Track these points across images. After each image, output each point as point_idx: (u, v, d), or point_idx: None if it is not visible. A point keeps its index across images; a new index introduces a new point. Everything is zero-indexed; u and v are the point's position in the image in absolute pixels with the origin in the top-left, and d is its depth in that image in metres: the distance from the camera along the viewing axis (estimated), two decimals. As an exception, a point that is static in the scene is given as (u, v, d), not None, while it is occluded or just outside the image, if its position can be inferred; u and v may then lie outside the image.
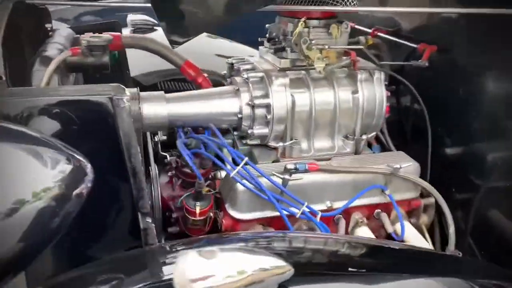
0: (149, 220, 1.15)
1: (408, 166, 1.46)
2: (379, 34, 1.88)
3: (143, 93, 1.46)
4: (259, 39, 1.73)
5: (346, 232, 1.47)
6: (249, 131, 1.51)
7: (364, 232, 1.49)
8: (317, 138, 1.58)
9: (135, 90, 1.42)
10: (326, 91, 1.53)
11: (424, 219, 1.64)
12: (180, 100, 1.48)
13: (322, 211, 1.43)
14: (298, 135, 1.55)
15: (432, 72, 1.63)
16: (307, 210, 1.35)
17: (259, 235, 1.22)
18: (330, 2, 1.46)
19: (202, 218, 1.47)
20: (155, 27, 2.61)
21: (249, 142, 1.56)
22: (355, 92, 1.55)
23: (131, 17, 2.58)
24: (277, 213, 1.37)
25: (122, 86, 1.04)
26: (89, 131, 1.05)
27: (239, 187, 1.35)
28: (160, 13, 1.40)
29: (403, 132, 1.85)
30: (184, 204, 1.46)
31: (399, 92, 1.81)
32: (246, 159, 1.36)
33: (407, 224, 1.53)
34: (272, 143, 1.52)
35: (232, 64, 1.63)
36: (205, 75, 1.70)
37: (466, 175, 1.51)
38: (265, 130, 1.51)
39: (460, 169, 1.55)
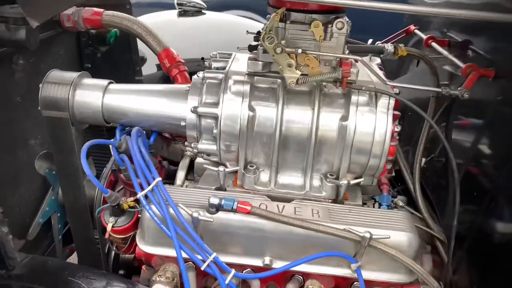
0: (5, 230, 0.94)
1: (384, 237, 0.99)
2: (432, 44, 1.36)
3: (88, 80, 1.26)
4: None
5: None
6: (193, 145, 1.20)
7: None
8: (284, 171, 1.19)
9: (72, 74, 1.22)
10: (302, 110, 1.13)
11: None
12: (122, 93, 1.24)
13: (254, 268, 1.07)
14: (258, 161, 1.18)
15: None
16: (215, 263, 0.99)
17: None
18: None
19: (119, 236, 1.23)
20: (203, 11, 2.41)
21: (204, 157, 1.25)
22: (344, 118, 1.11)
23: (178, -1, 2.41)
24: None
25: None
26: None
27: (146, 213, 1.06)
28: None
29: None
30: (101, 216, 1.23)
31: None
32: (158, 179, 1.06)
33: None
34: (220, 168, 1.17)
35: (202, 58, 1.31)
36: (184, 68, 1.43)
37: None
38: (213, 147, 1.18)
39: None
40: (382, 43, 1.51)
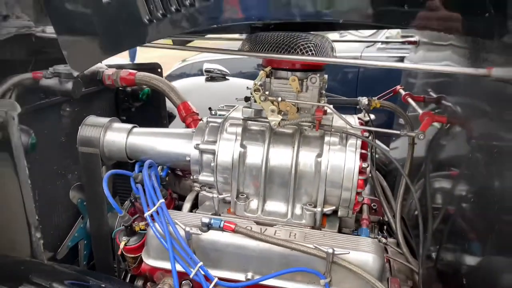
0: (38, 235, 1.19)
1: (345, 253, 1.14)
2: (408, 99, 1.57)
3: (117, 124, 1.56)
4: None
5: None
6: (195, 176, 1.43)
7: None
8: (271, 200, 1.38)
9: (105, 119, 1.52)
10: (284, 149, 1.34)
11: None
12: (143, 135, 1.52)
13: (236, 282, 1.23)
14: (248, 191, 1.39)
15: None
16: (201, 272, 1.17)
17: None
18: (300, 52, 1.29)
19: (130, 255, 1.44)
20: (227, 76, 2.77)
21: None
22: (319, 155, 1.31)
23: (206, 65, 2.80)
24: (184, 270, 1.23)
25: (15, 103, 1.15)
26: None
27: (150, 230, 1.28)
28: None
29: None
30: (117, 237, 1.45)
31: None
32: (161, 201, 1.28)
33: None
34: (214, 194, 1.39)
35: (210, 108, 1.59)
36: (197, 118, 1.71)
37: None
38: (211, 178, 1.40)
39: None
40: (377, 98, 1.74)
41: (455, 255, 1.15)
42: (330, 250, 1.13)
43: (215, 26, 0.99)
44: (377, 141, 1.94)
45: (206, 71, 2.76)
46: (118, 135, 1.51)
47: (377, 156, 1.92)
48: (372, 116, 1.70)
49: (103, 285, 1.11)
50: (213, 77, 2.74)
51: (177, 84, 2.71)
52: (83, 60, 1.13)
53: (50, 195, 1.60)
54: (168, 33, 1.03)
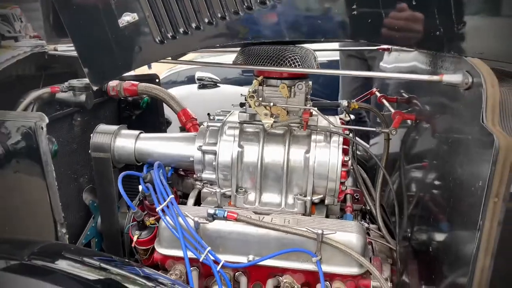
0: (63, 230, 1.35)
1: (332, 233, 1.33)
2: (383, 100, 1.78)
3: (125, 131, 1.73)
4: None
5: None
6: (198, 174, 1.61)
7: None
8: (266, 192, 1.57)
9: (114, 127, 1.69)
10: (277, 148, 1.54)
11: (378, 304, 1.43)
12: (149, 139, 1.70)
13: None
14: (247, 186, 1.58)
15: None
16: (210, 256, 1.36)
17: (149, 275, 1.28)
18: (288, 63, 1.49)
19: (142, 247, 1.61)
20: (217, 84, 2.95)
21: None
22: (307, 152, 1.51)
23: (198, 74, 2.98)
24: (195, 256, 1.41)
25: (43, 115, 1.31)
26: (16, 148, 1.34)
27: (162, 223, 1.46)
28: None
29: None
30: (129, 231, 1.63)
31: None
32: (171, 196, 1.46)
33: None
34: (216, 189, 1.58)
35: (208, 114, 1.77)
36: (196, 122, 1.89)
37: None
38: (213, 176, 1.59)
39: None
40: (356, 101, 1.95)
41: (425, 234, 1.35)
42: (320, 231, 1.33)
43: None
44: (358, 139, 2.15)
45: (198, 79, 2.94)
46: (127, 141, 1.68)
47: (359, 153, 2.13)
48: (352, 116, 1.91)
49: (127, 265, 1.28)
50: (204, 84, 2.92)
51: (172, 92, 2.89)
52: (101, 76, 1.31)
53: (64, 198, 1.76)
54: (178, 51, 1.22)
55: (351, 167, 1.58)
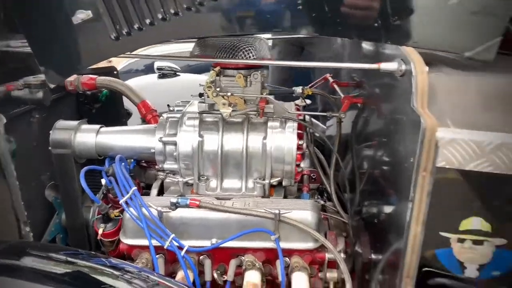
0: (27, 229, 1.37)
1: (287, 213, 1.43)
2: (334, 85, 1.89)
3: (85, 126, 1.74)
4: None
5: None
6: (160, 165, 1.66)
7: (252, 276, 1.48)
8: (227, 179, 1.65)
9: (74, 122, 1.70)
10: (235, 135, 1.61)
11: (333, 275, 1.55)
12: (110, 133, 1.72)
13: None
14: (208, 173, 1.64)
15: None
16: (174, 242, 1.42)
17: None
18: (242, 54, 1.55)
19: (107, 239, 1.65)
20: (177, 73, 2.97)
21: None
22: (264, 138, 1.59)
23: (158, 63, 2.99)
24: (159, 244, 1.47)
25: (0, 115, 1.32)
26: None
27: (126, 214, 1.50)
28: None
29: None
30: (94, 224, 1.66)
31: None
32: (134, 188, 1.51)
33: (299, 276, 1.47)
34: (179, 178, 1.64)
35: (168, 105, 1.82)
36: (156, 114, 1.93)
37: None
38: (175, 166, 1.64)
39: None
40: (309, 87, 2.04)
41: (373, 208, 1.47)
42: (277, 211, 1.42)
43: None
44: (315, 121, 2.26)
45: (158, 68, 2.94)
46: (88, 136, 1.70)
47: (317, 135, 2.23)
48: (308, 101, 2.00)
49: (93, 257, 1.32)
50: (164, 74, 2.93)
51: (131, 82, 2.88)
52: (58, 74, 1.33)
53: (26, 196, 1.76)
54: (134, 47, 1.25)
55: (306, 150, 1.68)
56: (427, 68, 1.01)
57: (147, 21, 1.21)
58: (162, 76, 2.94)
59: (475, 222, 0.96)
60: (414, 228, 0.97)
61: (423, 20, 1.08)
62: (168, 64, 2.97)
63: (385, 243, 1.24)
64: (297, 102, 1.93)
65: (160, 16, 1.21)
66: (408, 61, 1.04)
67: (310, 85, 2.09)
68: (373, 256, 1.44)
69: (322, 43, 2.52)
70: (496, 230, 0.95)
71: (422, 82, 0.97)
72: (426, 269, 1.04)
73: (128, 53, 1.36)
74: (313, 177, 1.99)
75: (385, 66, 1.12)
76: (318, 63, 1.50)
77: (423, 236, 0.97)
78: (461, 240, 0.99)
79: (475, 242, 0.98)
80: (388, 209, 1.27)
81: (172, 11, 1.20)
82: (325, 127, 2.57)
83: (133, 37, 1.23)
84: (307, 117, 1.91)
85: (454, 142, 0.91)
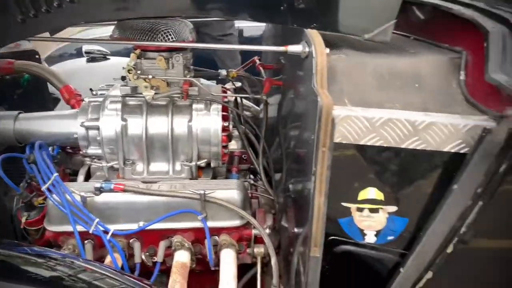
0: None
1: (212, 192, 1.48)
2: (260, 68, 1.93)
3: (2, 112, 1.67)
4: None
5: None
6: (84, 151, 1.64)
7: (181, 256, 1.52)
8: (154, 162, 1.65)
9: None
10: (160, 118, 1.61)
11: (260, 250, 1.62)
12: (29, 119, 1.66)
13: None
14: (134, 157, 1.64)
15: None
16: (100, 227, 1.43)
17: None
18: (162, 36, 1.55)
19: (32, 227, 1.61)
20: (107, 56, 2.89)
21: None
22: (190, 120, 1.61)
23: (86, 47, 2.89)
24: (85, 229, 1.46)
25: None
26: None
27: (49, 201, 1.48)
28: None
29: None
30: (18, 213, 1.62)
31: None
32: (55, 175, 1.48)
33: (227, 252, 1.53)
34: (103, 163, 1.62)
35: (91, 89, 1.78)
36: (80, 99, 1.88)
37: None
38: (99, 151, 1.62)
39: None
40: (238, 69, 2.07)
41: (294, 184, 1.55)
42: (202, 192, 1.46)
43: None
44: (251, 104, 2.30)
45: (86, 52, 2.84)
46: (5, 122, 1.63)
47: (249, 113, 2.27)
48: (238, 84, 2.04)
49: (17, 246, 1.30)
50: (94, 57, 2.84)
51: (58, 67, 2.76)
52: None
53: None
54: (43, 30, 1.21)
55: (233, 131, 1.72)
56: (327, 50, 1.07)
57: (55, 3, 1.18)
58: (91, 60, 2.85)
59: (370, 192, 1.05)
60: (317, 199, 1.05)
61: (326, 5, 1.14)
62: (97, 48, 2.88)
63: (303, 216, 1.32)
64: (229, 84, 1.96)
65: (68, -3, 1.18)
66: (311, 43, 1.10)
67: (239, 67, 2.13)
68: (295, 230, 1.52)
69: (216, 24, 2.55)
70: (388, 198, 1.05)
71: (321, 64, 1.03)
72: (332, 237, 1.13)
73: (40, 36, 1.32)
74: (245, 157, 2.05)
75: (292, 48, 1.17)
76: (236, 46, 1.53)
77: (326, 207, 1.05)
78: (360, 209, 1.08)
79: (372, 211, 1.07)
80: (302, 184, 1.35)
81: (80, -7, 1.18)
82: (258, 108, 2.63)
83: (40, 19, 1.19)
84: (238, 99, 1.95)
85: (349, 119, 0.99)
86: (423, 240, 1.02)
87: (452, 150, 0.97)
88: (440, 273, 1.04)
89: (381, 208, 1.06)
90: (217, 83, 1.93)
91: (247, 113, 2.20)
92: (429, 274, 1.05)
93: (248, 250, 1.62)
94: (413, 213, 1.05)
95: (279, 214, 1.74)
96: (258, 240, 1.62)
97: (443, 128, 0.95)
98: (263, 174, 1.86)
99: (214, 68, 2.11)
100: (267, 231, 1.59)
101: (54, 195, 1.47)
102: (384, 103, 1.04)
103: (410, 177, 1.03)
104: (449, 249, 1.01)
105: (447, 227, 0.99)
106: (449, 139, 0.96)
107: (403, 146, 0.98)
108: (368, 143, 1.00)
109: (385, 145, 0.99)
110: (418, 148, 0.98)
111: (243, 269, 1.65)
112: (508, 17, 1.04)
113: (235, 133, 1.92)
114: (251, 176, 2.08)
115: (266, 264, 1.66)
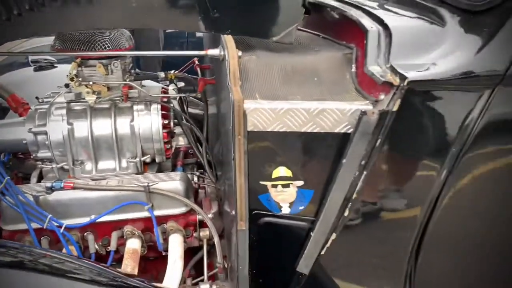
0: None
1: (155, 184, 1.64)
2: (198, 68, 2.10)
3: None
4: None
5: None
6: (35, 155, 1.76)
7: (132, 243, 1.67)
8: (101, 161, 1.80)
9: None
10: (104, 120, 1.75)
11: (205, 233, 1.80)
12: (-20, 128, 1.76)
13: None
14: (83, 158, 1.78)
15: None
16: (53, 222, 1.56)
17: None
18: (98, 45, 1.68)
19: (-11, 228, 1.72)
20: (54, 65, 2.96)
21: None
22: (132, 120, 1.76)
23: (32, 57, 2.94)
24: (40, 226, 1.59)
25: None
26: None
27: (3, 202, 1.59)
28: None
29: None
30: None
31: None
32: (7, 178, 1.60)
33: (174, 237, 1.70)
34: (53, 165, 1.75)
35: (37, 97, 1.89)
36: (28, 107, 1.98)
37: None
38: (49, 154, 1.75)
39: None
40: (179, 71, 2.23)
41: (229, 172, 1.73)
42: (146, 184, 1.62)
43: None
44: (198, 101, 2.45)
45: (32, 61, 2.90)
46: (-46, 132, 1.72)
47: (198, 111, 2.42)
48: (181, 84, 2.20)
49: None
50: (41, 66, 2.89)
51: (6, 77, 2.81)
52: None
53: None
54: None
55: (173, 128, 1.88)
56: (240, 53, 1.26)
57: (15, 12, 1.27)
58: (39, 68, 2.91)
59: (281, 171, 1.25)
60: (239, 180, 1.24)
61: (238, 13, 1.33)
62: (44, 57, 2.93)
63: (231, 199, 1.51)
64: (173, 85, 2.12)
65: (27, 6, 1.26)
66: (225, 47, 1.28)
67: (180, 69, 2.28)
68: (233, 213, 1.71)
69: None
70: (296, 175, 1.25)
71: (233, 65, 1.22)
72: (255, 211, 1.33)
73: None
74: (191, 152, 2.21)
75: (211, 52, 1.35)
76: (161, 52, 1.69)
77: (247, 185, 1.24)
78: (275, 186, 1.28)
79: (284, 186, 1.27)
80: (230, 171, 1.54)
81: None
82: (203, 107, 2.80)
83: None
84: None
85: (257, 111, 1.18)
86: (326, 207, 1.24)
87: (341, 131, 1.18)
88: (342, 234, 1.26)
89: (291, 183, 1.26)
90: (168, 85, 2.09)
91: (196, 110, 2.37)
92: (333, 236, 1.27)
93: (195, 234, 1.80)
94: (316, 185, 1.26)
95: (222, 200, 1.93)
96: (204, 225, 1.80)
97: (332, 113, 1.16)
98: (207, 166, 2.03)
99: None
100: (211, 216, 1.78)
101: (7, 197, 1.58)
102: (287, 96, 1.23)
103: (311, 155, 1.24)
104: (346, 213, 1.23)
105: (342, 194, 1.20)
106: (338, 122, 1.17)
107: (302, 130, 1.19)
108: (275, 130, 1.20)
109: (288, 131, 1.19)
110: (314, 131, 1.19)
111: (194, 253, 1.83)
112: (383, 18, 1.26)
113: (179, 130, 2.08)
114: (199, 169, 2.25)
115: (212, 246, 1.85)
